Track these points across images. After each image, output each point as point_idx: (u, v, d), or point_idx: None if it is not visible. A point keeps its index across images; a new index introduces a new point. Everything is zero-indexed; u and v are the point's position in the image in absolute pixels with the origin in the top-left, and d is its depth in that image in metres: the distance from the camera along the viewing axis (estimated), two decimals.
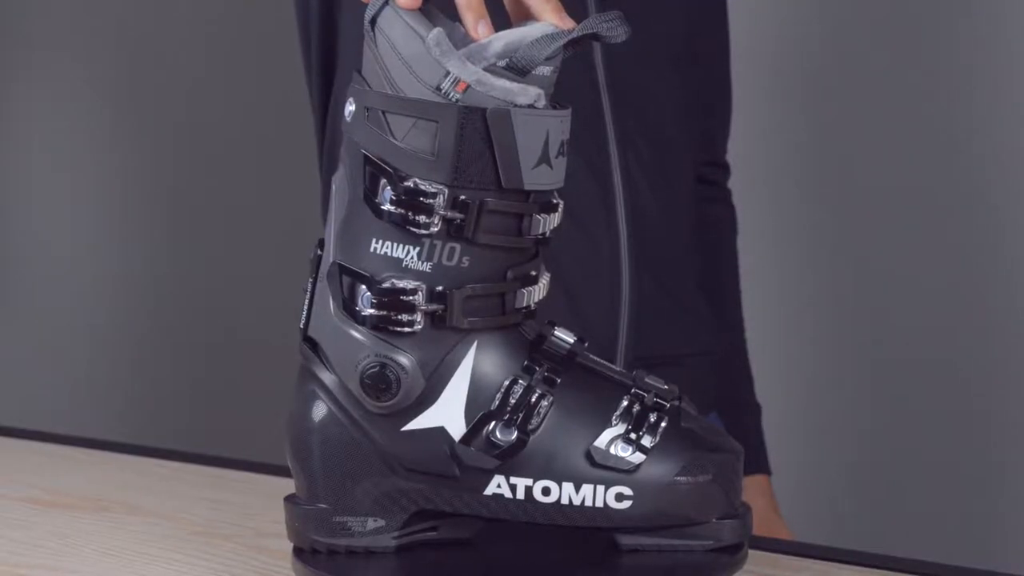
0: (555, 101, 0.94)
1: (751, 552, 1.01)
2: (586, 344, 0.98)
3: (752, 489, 1.60)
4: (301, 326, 0.97)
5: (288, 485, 1.00)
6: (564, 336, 0.97)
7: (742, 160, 1.69)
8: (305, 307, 0.97)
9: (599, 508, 0.93)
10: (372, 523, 0.96)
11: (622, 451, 0.93)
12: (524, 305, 0.95)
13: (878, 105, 2.25)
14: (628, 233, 1.42)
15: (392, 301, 0.92)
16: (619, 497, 0.93)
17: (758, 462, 1.63)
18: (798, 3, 2.34)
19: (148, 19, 2.77)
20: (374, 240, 0.92)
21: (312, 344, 0.97)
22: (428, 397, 0.93)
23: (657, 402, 0.95)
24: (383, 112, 0.91)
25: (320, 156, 1.48)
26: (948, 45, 2.19)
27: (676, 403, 0.97)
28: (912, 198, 2.23)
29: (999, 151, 2.17)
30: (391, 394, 0.93)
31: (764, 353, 1.75)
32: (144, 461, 1.41)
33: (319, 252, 0.96)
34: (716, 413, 1.58)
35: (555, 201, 0.94)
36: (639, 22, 1.47)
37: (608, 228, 1.42)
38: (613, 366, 0.98)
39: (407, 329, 0.92)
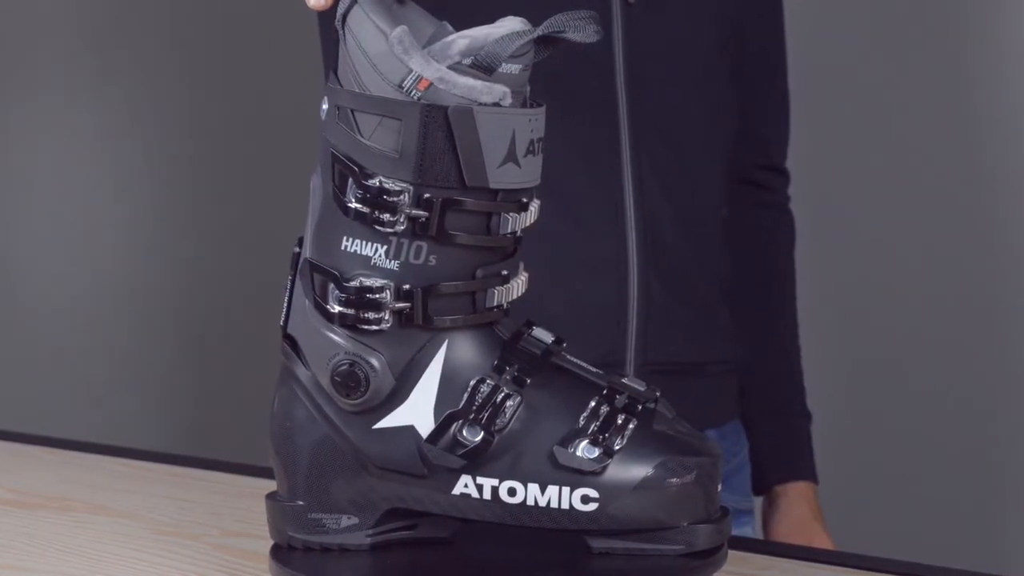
0: (533, 99, 0.93)
1: None
2: (564, 345, 0.96)
3: (794, 495, 1.57)
4: (281, 323, 0.97)
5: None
6: (541, 336, 0.96)
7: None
8: (285, 304, 0.97)
9: (564, 510, 0.93)
10: (346, 520, 0.96)
11: (587, 452, 0.92)
12: (496, 304, 0.94)
13: (871, 108, 2.24)
14: (637, 237, 1.39)
15: (360, 299, 0.92)
16: (585, 499, 0.92)
17: (804, 469, 1.59)
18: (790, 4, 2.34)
19: (149, 18, 2.76)
20: (344, 238, 0.92)
21: (291, 341, 0.97)
22: (398, 396, 0.93)
23: (628, 404, 0.94)
24: (351, 110, 0.91)
25: None
26: (940, 45, 2.18)
27: (650, 406, 0.95)
28: (908, 200, 2.22)
29: (993, 155, 2.16)
30: (360, 392, 0.93)
31: None
32: (109, 460, 1.40)
33: (297, 250, 0.96)
34: (739, 422, 1.55)
35: (525, 200, 0.93)
36: (683, 8, 1.42)
37: (615, 230, 1.38)
38: (591, 367, 0.96)
39: (375, 327, 0.92)
